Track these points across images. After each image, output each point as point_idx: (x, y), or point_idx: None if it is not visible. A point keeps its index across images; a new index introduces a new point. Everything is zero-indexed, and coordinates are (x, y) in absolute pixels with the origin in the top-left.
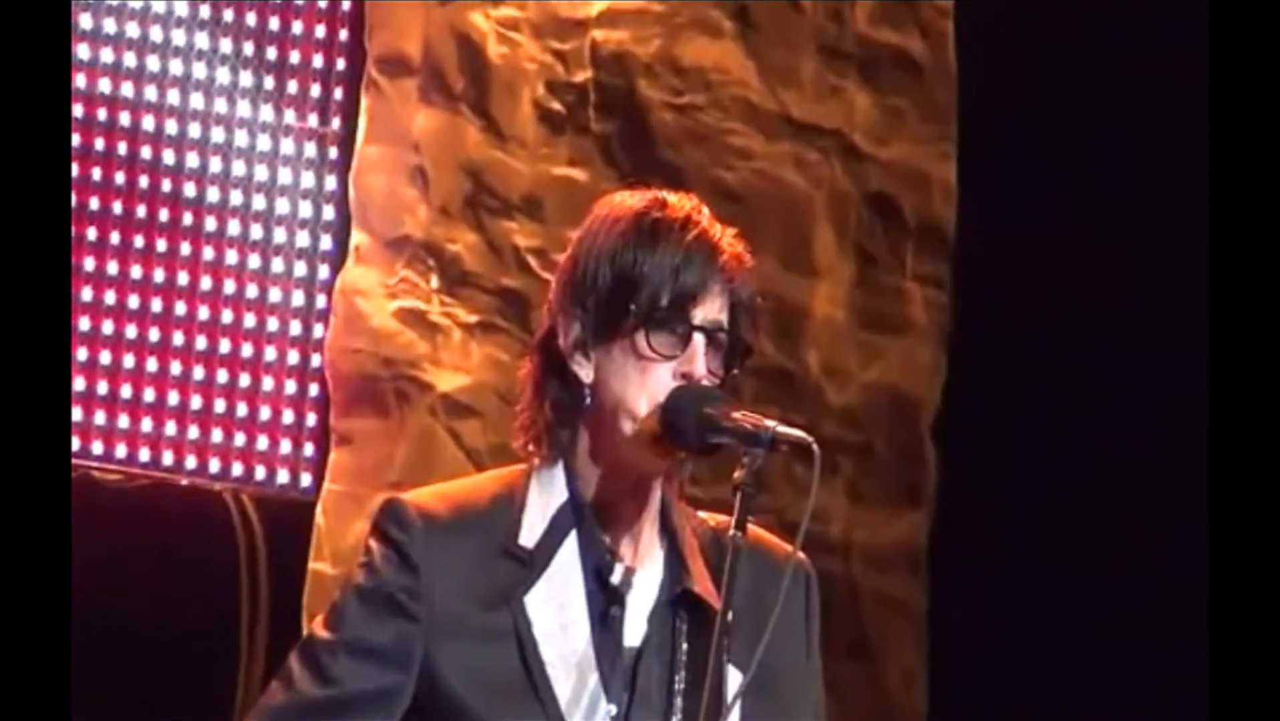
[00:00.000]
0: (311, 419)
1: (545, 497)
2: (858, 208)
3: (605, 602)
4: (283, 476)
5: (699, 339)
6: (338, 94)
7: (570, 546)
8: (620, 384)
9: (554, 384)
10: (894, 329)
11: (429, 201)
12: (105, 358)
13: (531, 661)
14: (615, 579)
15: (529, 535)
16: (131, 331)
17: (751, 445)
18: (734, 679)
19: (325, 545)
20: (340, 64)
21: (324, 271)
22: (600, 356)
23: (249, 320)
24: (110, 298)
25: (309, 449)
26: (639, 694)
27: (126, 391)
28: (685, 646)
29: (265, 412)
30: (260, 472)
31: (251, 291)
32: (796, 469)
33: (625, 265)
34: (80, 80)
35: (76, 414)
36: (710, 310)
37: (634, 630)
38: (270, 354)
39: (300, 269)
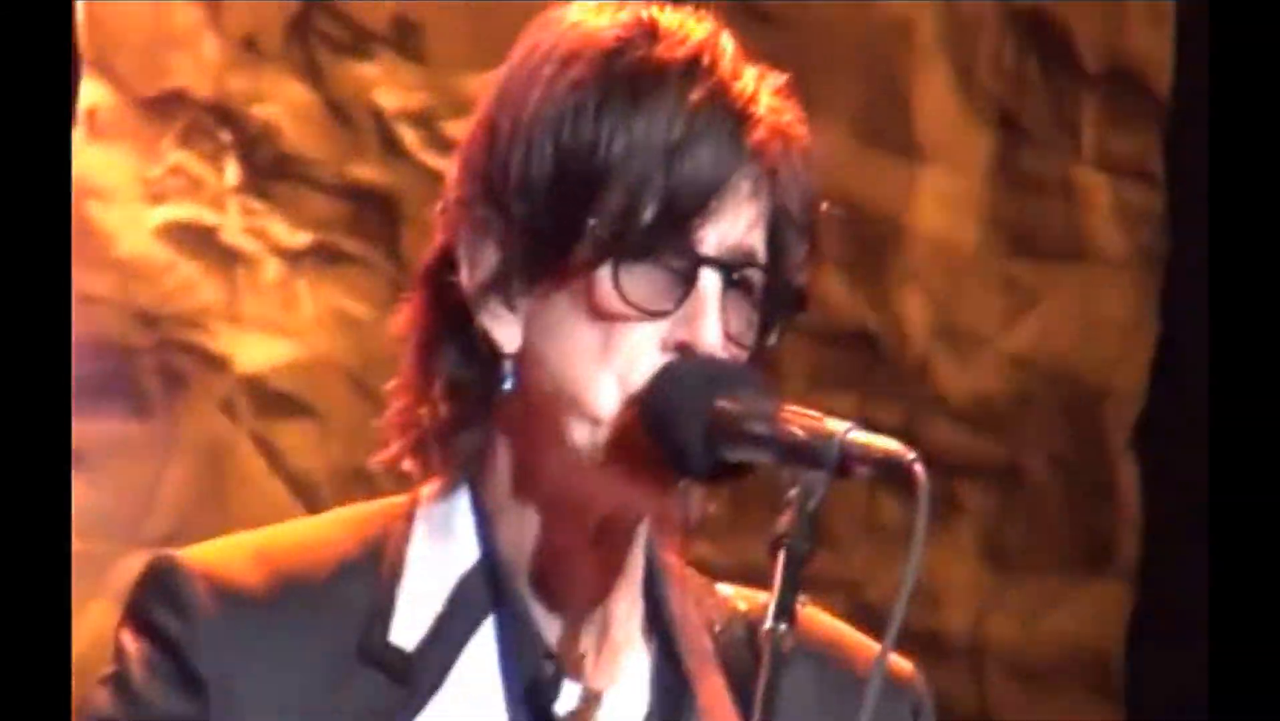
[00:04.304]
0: None
1: (438, 557)
2: (995, 39)
3: None
4: None
5: (710, 280)
6: None
7: (482, 646)
8: (568, 356)
9: (451, 351)
10: (1061, 255)
11: (221, 28)
12: None
13: None
14: (562, 707)
15: (409, 626)
16: None
17: (804, 463)
18: None
19: None
20: None
21: None
22: (534, 306)
23: None
24: None
25: None
26: None
27: None
28: None
29: None
30: None
31: None
32: (883, 503)
33: (582, 144)
34: None
35: None
36: (732, 228)
37: None
38: None
39: None
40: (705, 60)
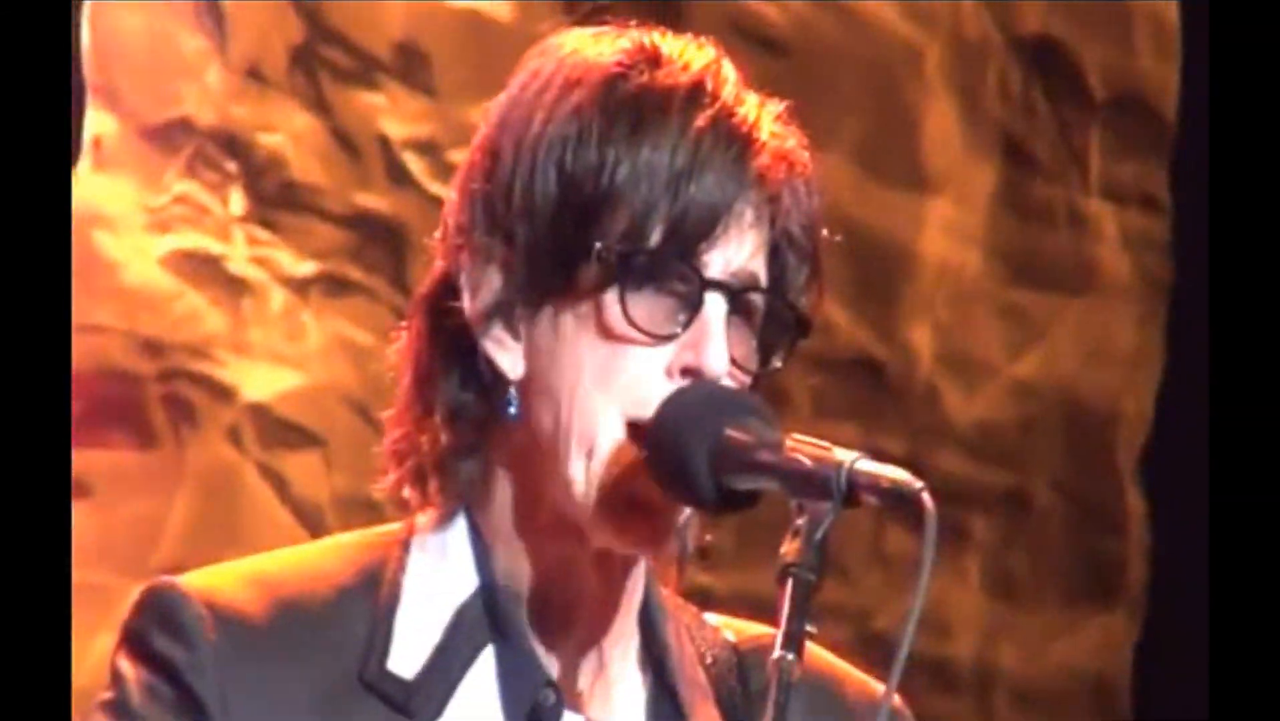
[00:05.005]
0: None
1: (435, 586)
2: (1001, 68)
3: None
4: None
5: (716, 304)
6: None
7: (481, 676)
8: (572, 381)
9: (452, 378)
10: (1067, 283)
11: (226, 57)
12: None
13: None
14: None
15: (407, 655)
16: None
17: (812, 493)
18: None
19: None
20: None
21: None
22: (537, 331)
23: None
24: None
25: None
26: None
27: None
28: None
29: None
30: None
31: None
32: (890, 533)
33: (585, 170)
34: None
35: None
36: (737, 253)
37: None
38: None
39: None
40: (708, 87)
